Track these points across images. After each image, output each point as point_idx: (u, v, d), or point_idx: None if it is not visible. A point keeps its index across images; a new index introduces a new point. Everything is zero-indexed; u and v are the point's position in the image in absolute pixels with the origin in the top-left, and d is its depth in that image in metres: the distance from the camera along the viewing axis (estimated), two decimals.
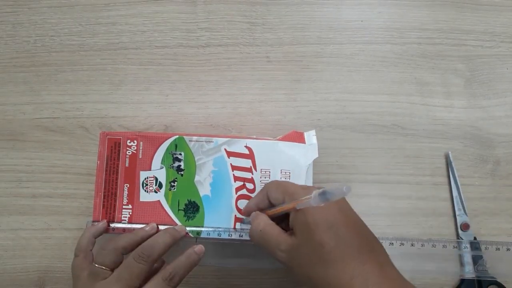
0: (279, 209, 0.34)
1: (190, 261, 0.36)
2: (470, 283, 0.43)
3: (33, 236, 0.44)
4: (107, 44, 0.48)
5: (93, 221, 0.40)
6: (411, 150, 0.46)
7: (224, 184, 0.40)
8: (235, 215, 0.40)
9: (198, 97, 0.47)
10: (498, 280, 0.42)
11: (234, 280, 0.44)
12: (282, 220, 0.34)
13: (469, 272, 0.42)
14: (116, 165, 0.40)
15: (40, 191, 0.45)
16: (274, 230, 0.33)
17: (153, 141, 0.41)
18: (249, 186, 0.40)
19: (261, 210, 0.36)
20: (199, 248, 0.37)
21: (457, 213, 0.44)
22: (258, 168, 0.40)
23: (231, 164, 0.40)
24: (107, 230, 0.39)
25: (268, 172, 0.40)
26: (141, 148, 0.40)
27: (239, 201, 0.40)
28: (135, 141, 0.40)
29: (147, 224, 0.39)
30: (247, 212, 0.38)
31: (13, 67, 0.47)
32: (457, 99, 0.47)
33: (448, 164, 0.45)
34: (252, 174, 0.40)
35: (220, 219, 0.40)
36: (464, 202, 0.44)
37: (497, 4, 0.49)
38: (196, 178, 0.40)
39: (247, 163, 0.40)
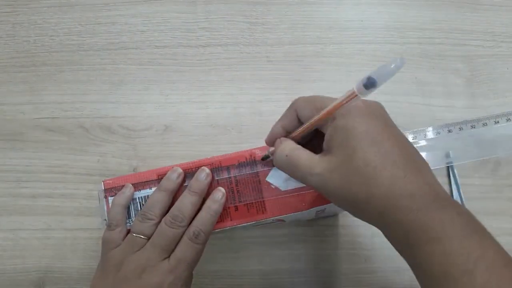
0: (309, 124, 0.30)
1: (211, 213, 0.34)
2: None
3: (32, 236, 0.44)
4: (106, 44, 0.48)
5: (107, 188, 0.36)
6: None
7: None
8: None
9: (198, 97, 0.47)
10: None
11: (234, 281, 0.43)
12: (309, 143, 0.31)
13: None
14: None
15: (40, 191, 0.45)
16: (303, 153, 0.29)
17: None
18: None
19: (288, 134, 0.32)
20: (217, 194, 0.35)
21: None
22: None
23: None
24: None
25: None
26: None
27: None
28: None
29: (171, 170, 0.35)
30: (272, 139, 0.33)
31: (12, 67, 0.47)
32: (457, 99, 0.47)
33: (448, 164, 0.45)
34: None
35: None
36: (464, 202, 0.44)
37: (497, 4, 0.49)
38: None
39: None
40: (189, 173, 0.36)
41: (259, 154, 0.35)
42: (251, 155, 0.35)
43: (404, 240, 0.27)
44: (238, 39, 0.48)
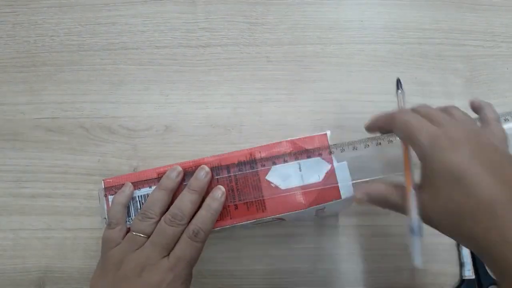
0: (406, 170, 0.32)
1: (211, 212, 0.34)
2: (471, 283, 0.43)
3: (33, 236, 0.44)
4: (107, 44, 0.48)
5: (107, 187, 0.37)
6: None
7: None
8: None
9: (198, 97, 0.47)
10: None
11: (234, 281, 0.43)
12: None
13: (469, 272, 0.42)
14: None
15: (40, 191, 0.45)
16: (393, 194, 0.31)
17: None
18: None
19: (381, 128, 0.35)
20: (216, 192, 0.35)
21: None
22: None
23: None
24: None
25: None
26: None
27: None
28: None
29: (170, 169, 0.36)
30: (370, 128, 0.37)
31: (13, 67, 0.47)
32: (457, 99, 0.47)
33: None
34: None
35: None
36: None
37: (497, 4, 0.49)
38: None
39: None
40: (188, 172, 0.36)
41: (259, 154, 0.36)
42: (251, 154, 0.35)
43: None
44: (238, 39, 0.48)
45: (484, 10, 0.49)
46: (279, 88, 0.47)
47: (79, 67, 0.47)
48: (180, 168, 0.36)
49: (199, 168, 0.36)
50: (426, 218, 0.29)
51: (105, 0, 0.48)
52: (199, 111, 0.46)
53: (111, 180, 0.36)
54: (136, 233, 0.34)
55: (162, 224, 0.34)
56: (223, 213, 0.35)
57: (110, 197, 0.36)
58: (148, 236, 0.34)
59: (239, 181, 0.35)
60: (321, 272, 0.43)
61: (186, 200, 0.34)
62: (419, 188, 0.30)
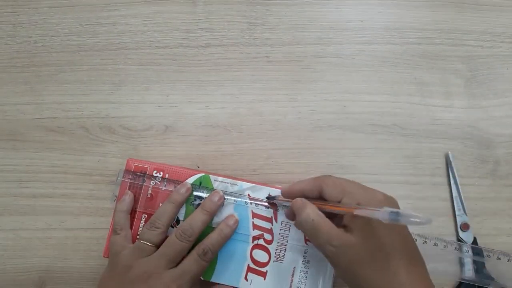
0: (334, 207, 0.33)
1: (222, 236, 0.38)
2: (471, 284, 0.43)
3: (33, 236, 0.44)
4: (107, 44, 0.48)
5: (127, 169, 0.41)
6: (411, 150, 0.46)
7: (242, 230, 0.40)
8: (248, 265, 0.39)
9: (198, 97, 0.47)
10: (499, 282, 0.42)
11: None
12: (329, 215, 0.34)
13: (469, 273, 0.42)
14: (138, 194, 0.40)
15: (41, 191, 0.45)
16: (326, 223, 0.32)
17: (179, 175, 0.40)
18: (267, 237, 0.40)
19: (306, 198, 0.35)
20: (230, 219, 0.39)
21: (457, 213, 0.44)
22: (279, 220, 0.40)
23: (252, 211, 0.40)
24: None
25: (289, 226, 0.40)
26: (165, 181, 0.40)
27: (254, 251, 0.39)
28: (160, 173, 0.40)
29: (180, 185, 0.40)
30: (288, 194, 0.37)
31: (13, 67, 0.47)
32: (457, 99, 0.47)
33: (448, 164, 0.45)
34: (272, 225, 0.40)
35: (232, 267, 0.39)
36: (464, 202, 0.44)
37: (497, 4, 0.49)
38: (215, 219, 0.39)
39: (268, 212, 0.40)
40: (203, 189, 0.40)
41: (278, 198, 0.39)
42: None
43: None
44: (238, 39, 0.48)
45: (484, 10, 0.49)
46: (279, 88, 0.47)
47: (79, 67, 0.47)
48: (189, 185, 0.40)
49: (214, 191, 0.39)
50: (338, 255, 0.32)
51: (106, 0, 0.48)
52: (199, 111, 0.46)
53: (134, 164, 0.41)
54: (144, 242, 0.37)
55: (173, 237, 0.37)
56: None
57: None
58: (155, 245, 0.37)
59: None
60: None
61: (198, 219, 0.38)
62: (345, 228, 0.33)
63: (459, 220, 0.44)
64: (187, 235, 0.37)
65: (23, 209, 0.44)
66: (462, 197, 0.44)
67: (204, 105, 0.46)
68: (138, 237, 0.39)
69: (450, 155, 0.45)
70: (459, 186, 0.45)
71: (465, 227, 0.44)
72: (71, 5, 0.48)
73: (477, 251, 0.42)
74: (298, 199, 0.35)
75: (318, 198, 0.35)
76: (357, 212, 0.30)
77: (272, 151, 0.45)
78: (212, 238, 0.38)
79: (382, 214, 0.27)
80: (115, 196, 0.40)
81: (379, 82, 0.47)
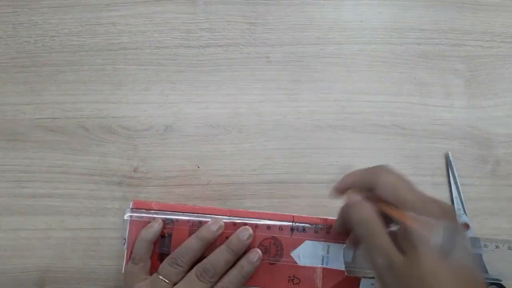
0: (389, 211, 0.29)
1: (243, 274, 0.34)
2: None
3: (33, 236, 0.44)
4: (107, 44, 0.48)
5: (134, 208, 0.38)
6: (411, 150, 0.46)
7: None
8: None
9: (198, 97, 0.47)
10: (500, 282, 0.42)
11: None
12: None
13: None
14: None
15: (40, 191, 0.45)
16: (384, 236, 0.28)
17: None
18: None
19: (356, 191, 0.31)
20: (253, 255, 0.35)
21: (457, 213, 0.44)
22: None
23: None
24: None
25: None
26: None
27: None
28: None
29: (212, 221, 0.36)
30: (340, 189, 0.33)
31: (13, 67, 0.47)
32: (457, 99, 0.47)
33: (448, 164, 0.45)
34: None
35: None
36: (464, 202, 0.44)
37: (497, 4, 0.49)
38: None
39: None
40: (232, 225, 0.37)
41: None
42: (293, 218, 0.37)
43: None
44: (238, 39, 0.48)
45: (484, 10, 0.49)
46: (279, 88, 0.47)
47: (79, 67, 0.47)
48: (222, 223, 0.36)
49: (243, 227, 0.36)
50: (394, 279, 0.27)
51: (106, 1, 0.48)
52: (199, 111, 0.46)
53: (139, 203, 0.38)
54: (162, 278, 0.34)
55: (192, 276, 0.34)
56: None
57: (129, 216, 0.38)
58: (173, 283, 0.34)
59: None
60: None
61: (221, 259, 0.34)
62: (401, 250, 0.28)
63: (459, 220, 0.44)
64: (208, 276, 0.33)
65: (23, 209, 0.44)
66: (462, 197, 0.44)
67: (204, 105, 0.47)
68: (157, 271, 0.35)
69: (450, 155, 0.45)
70: (459, 186, 0.45)
71: (465, 227, 0.44)
72: (71, 5, 0.48)
73: (474, 242, 0.42)
74: (352, 194, 0.31)
75: (369, 190, 0.31)
76: (405, 220, 0.26)
77: (272, 151, 0.45)
78: (231, 276, 0.34)
79: (435, 236, 0.24)
80: (124, 239, 0.37)
81: (378, 82, 0.47)
